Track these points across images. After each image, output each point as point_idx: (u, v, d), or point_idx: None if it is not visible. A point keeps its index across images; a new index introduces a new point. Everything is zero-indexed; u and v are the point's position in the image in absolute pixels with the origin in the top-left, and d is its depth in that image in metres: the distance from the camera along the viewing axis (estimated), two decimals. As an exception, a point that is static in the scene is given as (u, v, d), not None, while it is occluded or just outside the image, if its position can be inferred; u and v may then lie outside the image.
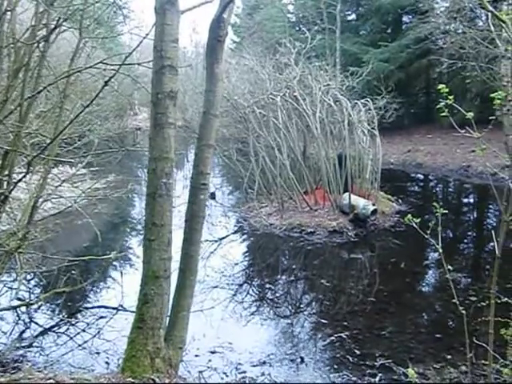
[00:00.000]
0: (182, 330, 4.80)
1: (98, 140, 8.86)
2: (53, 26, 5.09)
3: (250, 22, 32.99)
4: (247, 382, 5.05)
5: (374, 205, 11.09)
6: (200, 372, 5.23)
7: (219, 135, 15.27)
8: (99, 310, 6.96)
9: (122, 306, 6.87)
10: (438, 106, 3.91)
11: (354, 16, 29.80)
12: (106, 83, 4.77)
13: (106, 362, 5.43)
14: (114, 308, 6.89)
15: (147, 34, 5.07)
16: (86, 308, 7.09)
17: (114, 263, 8.48)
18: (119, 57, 6.66)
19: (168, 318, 4.74)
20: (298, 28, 29.56)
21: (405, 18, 27.64)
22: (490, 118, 3.95)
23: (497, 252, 4.11)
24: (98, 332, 6.22)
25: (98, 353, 5.65)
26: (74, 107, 6.69)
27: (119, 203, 10.93)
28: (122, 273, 7.98)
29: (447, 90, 3.91)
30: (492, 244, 4.25)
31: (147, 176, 4.63)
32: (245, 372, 5.28)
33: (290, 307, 7.29)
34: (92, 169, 10.73)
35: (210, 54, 4.96)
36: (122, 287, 7.18)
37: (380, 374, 5.18)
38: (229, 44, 36.47)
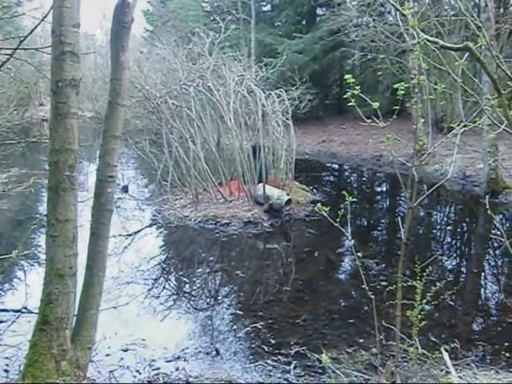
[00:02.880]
0: (91, 330, 4.62)
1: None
2: None
3: (164, 9, 32.27)
4: (160, 378, 4.91)
5: (288, 195, 11.24)
6: (111, 371, 5.04)
7: (131, 126, 14.85)
8: (-1, 313, 6.49)
9: (25, 307, 6.40)
10: (345, 96, 3.97)
11: (269, 7, 29.95)
12: (-3, 69, 4.42)
13: (5, 370, 5.03)
14: (16, 311, 6.42)
15: (45, 17, 4.77)
16: (-17, 313, 6.56)
17: (18, 263, 7.93)
18: (17, 41, 6.18)
19: (75, 318, 4.51)
20: (212, 17, 29.24)
21: (319, 11, 28.20)
22: (394, 108, 4.07)
23: (403, 238, 4.27)
24: (-3, 338, 5.79)
25: (-5, 361, 5.26)
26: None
27: (23, 199, 10.26)
28: (25, 273, 7.52)
29: (358, 81, 3.99)
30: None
31: (48, 169, 4.35)
32: (158, 368, 5.16)
33: (206, 300, 7.22)
34: (-10, 163, 9.98)
35: (115, 40, 4.73)
36: (27, 288, 6.72)
37: (295, 362, 5.25)
38: (141, 32, 35.66)
